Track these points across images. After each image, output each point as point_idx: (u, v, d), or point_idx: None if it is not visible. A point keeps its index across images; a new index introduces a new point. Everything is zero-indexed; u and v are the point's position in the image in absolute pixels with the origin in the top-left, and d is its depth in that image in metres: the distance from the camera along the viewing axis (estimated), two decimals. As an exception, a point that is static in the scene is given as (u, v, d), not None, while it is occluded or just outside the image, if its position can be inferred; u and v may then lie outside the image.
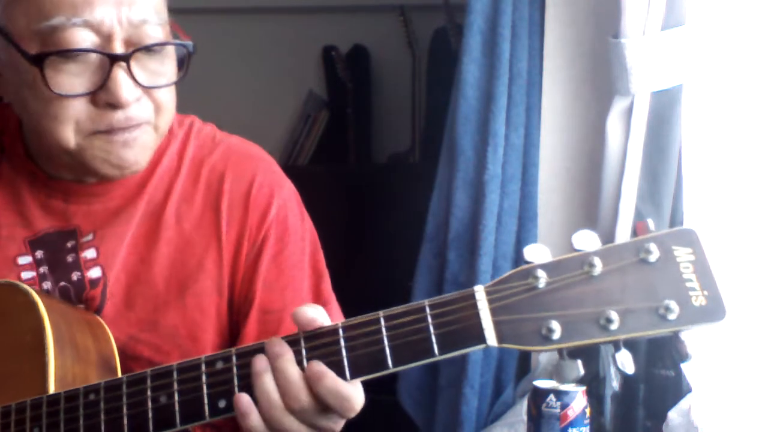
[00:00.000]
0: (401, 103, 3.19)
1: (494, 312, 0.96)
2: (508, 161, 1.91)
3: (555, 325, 0.94)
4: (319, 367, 0.98)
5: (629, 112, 1.72)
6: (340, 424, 1.03)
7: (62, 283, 1.24)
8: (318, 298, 1.28)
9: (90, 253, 1.24)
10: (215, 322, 1.25)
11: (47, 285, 1.24)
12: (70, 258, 1.24)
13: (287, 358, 0.99)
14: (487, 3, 1.91)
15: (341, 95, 3.25)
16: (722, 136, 1.64)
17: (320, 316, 1.02)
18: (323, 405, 0.99)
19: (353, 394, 0.99)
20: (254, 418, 1.00)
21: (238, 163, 1.29)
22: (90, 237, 1.25)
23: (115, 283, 1.24)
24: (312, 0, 3.29)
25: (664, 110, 1.70)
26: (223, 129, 1.37)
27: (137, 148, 1.18)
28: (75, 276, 1.24)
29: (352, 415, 1.01)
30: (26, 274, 1.23)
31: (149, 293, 1.24)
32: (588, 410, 1.21)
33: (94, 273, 1.24)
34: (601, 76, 1.81)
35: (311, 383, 0.98)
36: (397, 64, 3.21)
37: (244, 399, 1.00)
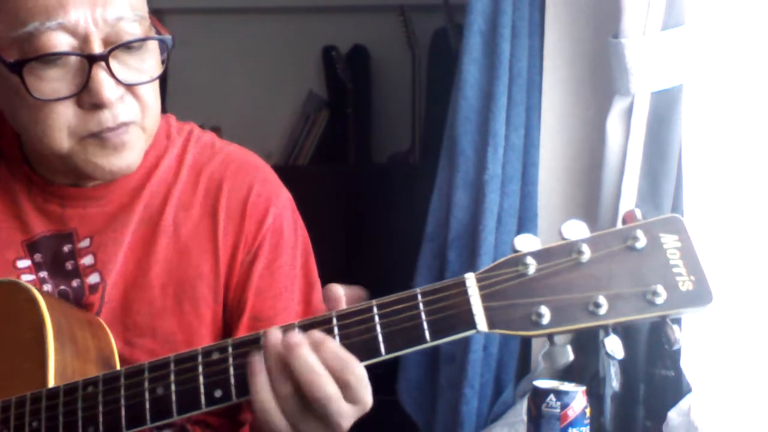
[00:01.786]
0: (401, 103, 3.19)
1: (484, 298, 0.97)
2: (508, 161, 1.91)
3: (544, 311, 0.94)
4: (319, 333, 0.98)
5: (629, 112, 1.72)
6: (349, 420, 1.00)
7: (62, 287, 1.24)
8: (309, 307, 1.29)
9: (88, 260, 1.24)
10: (212, 329, 1.25)
11: (47, 288, 1.24)
12: (69, 265, 1.24)
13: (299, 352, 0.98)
14: (487, 3, 1.91)
15: (341, 95, 3.25)
16: (722, 136, 1.64)
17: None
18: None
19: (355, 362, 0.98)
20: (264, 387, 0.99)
21: (237, 172, 1.29)
22: (87, 243, 1.25)
23: (112, 288, 1.23)
24: (312, 0, 3.29)
25: (664, 110, 1.70)
26: (224, 128, 1.37)
27: (127, 152, 1.17)
28: (75, 283, 1.24)
29: (359, 385, 0.98)
30: (25, 278, 1.23)
31: (146, 299, 1.24)
32: (588, 410, 1.21)
33: (93, 279, 1.24)
34: (601, 76, 1.81)
35: (315, 348, 0.97)
36: (397, 64, 3.22)
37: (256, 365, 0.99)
